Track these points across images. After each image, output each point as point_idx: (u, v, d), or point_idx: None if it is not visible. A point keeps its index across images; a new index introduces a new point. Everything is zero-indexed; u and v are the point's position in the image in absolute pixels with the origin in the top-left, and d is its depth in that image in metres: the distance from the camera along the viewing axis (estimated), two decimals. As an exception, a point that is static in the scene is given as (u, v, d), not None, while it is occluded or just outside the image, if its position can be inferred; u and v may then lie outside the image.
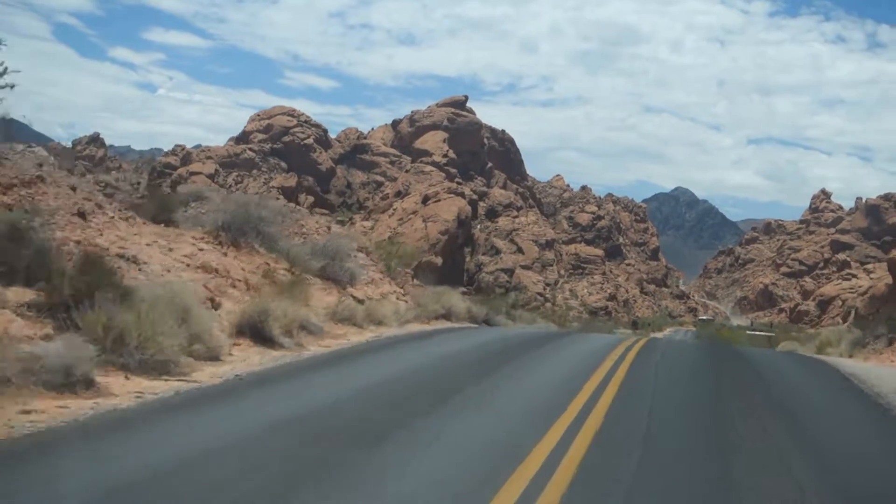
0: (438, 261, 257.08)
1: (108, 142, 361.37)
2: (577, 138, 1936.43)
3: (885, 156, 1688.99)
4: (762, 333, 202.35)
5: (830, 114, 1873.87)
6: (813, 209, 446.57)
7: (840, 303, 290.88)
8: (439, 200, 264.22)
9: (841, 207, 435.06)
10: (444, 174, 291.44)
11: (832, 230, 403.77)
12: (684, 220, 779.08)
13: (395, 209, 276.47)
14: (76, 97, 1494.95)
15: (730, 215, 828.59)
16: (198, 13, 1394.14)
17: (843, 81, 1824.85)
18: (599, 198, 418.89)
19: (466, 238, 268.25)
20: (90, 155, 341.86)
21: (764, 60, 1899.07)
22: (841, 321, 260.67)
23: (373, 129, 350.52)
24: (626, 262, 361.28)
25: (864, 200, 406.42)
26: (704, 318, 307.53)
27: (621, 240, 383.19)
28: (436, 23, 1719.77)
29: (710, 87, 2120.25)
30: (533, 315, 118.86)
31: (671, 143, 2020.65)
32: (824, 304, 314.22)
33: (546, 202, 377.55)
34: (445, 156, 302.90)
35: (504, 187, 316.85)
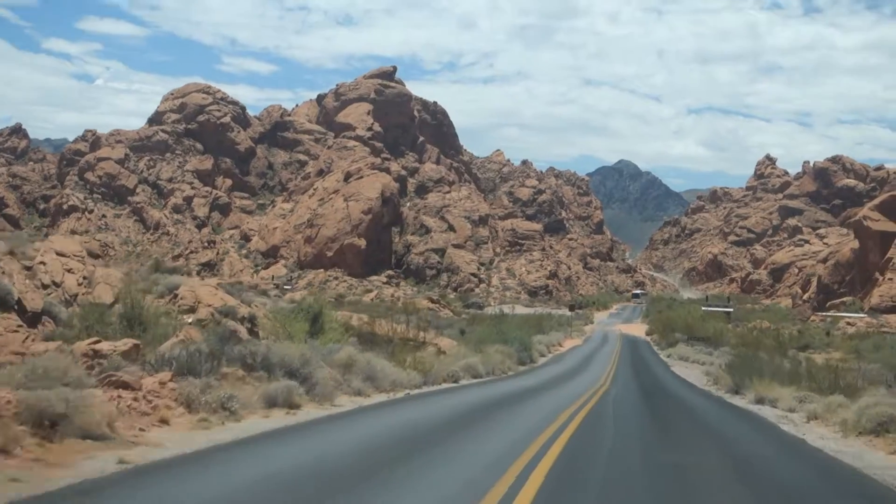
0: (362, 243, 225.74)
1: (45, 135, 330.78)
2: (518, 114, 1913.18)
3: (824, 121, 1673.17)
4: (720, 309, 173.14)
5: (769, 81, 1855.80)
6: (758, 175, 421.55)
7: (796, 270, 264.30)
8: (361, 177, 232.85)
9: (787, 173, 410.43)
10: (368, 149, 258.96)
11: (780, 196, 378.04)
12: (628, 192, 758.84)
13: (315, 189, 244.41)
14: (13, 91, 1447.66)
15: (673, 186, 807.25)
16: (132, 0, 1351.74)
17: (780, 48, 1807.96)
18: (541, 172, 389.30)
19: (394, 217, 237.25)
20: (12, 147, 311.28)
21: (702, 29, 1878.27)
22: (800, 290, 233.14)
23: (297, 105, 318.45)
24: (569, 236, 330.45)
25: (811, 164, 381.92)
26: (638, 292, 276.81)
27: (564, 214, 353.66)
28: (373, 2, 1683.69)
29: (649, 57, 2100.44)
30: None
31: (612, 116, 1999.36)
32: (777, 273, 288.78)
33: (485, 178, 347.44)
34: (370, 129, 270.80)
35: (437, 163, 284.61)
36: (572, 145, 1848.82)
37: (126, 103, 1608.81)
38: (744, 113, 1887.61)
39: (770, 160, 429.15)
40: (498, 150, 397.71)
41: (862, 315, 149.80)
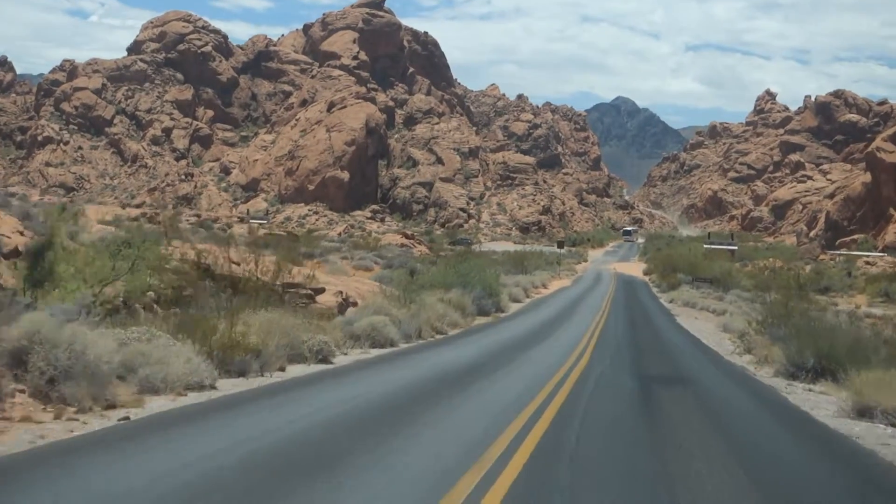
0: (345, 176, 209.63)
1: (38, 70, 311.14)
2: (516, 51, 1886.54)
3: (823, 58, 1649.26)
4: (723, 247, 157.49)
5: (767, 17, 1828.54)
6: (758, 111, 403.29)
7: (800, 207, 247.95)
8: (345, 107, 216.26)
9: (787, 108, 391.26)
10: (354, 79, 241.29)
11: (780, 131, 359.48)
12: (626, 129, 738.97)
13: (297, 119, 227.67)
14: (6, 26, 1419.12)
15: (672, 123, 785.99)
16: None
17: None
18: (536, 107, 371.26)
19: (379, 149, 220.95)
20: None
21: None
22: (805, 228, 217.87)
23: (283, 35, 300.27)
24: (564, 171, 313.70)
25: (812, 98, 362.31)
26: (630, 229, 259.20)
27: (560, 149, 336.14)
28: None
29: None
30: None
31: (610, 53, 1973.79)
32: (780, 210, 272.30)
33: (479, 112, 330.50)
34: (356, 58, 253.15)
35: (428, 94, 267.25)
36: (570, 82, 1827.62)
37: (119, 39, 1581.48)
38: (742, 50, 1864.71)
39: (770, 95, 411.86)
40: (493, 84, 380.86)
41: (881, 254, 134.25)
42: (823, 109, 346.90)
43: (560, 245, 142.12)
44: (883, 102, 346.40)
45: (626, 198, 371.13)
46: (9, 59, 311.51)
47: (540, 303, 66.88)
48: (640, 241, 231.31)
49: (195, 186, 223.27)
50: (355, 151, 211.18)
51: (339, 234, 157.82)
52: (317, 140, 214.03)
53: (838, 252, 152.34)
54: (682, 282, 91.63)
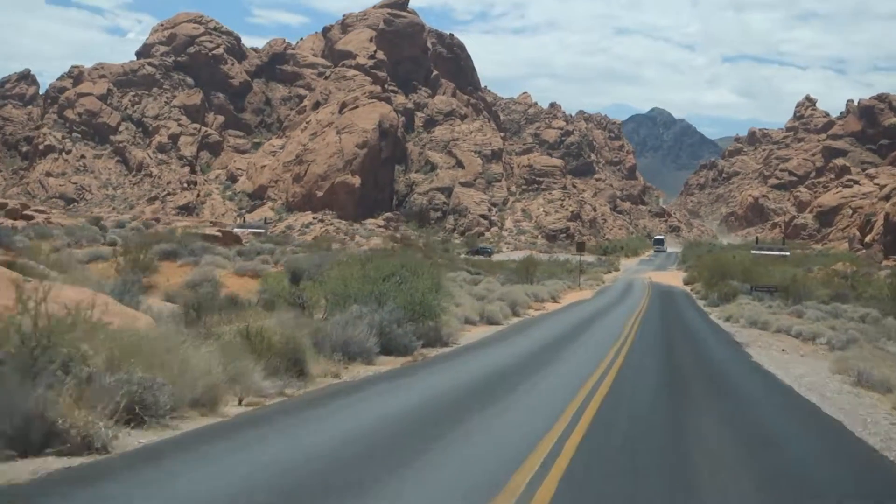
0: (356, 181, 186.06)
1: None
2: (550, 64, 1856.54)
3: (860, 67, 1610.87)
4: (773, 253, 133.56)
5: (804, 27, 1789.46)
6: (798, 117, 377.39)
7: (850, 212, 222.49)
8: (357, 107, 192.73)
9: (827, 114, 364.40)
10: (370, 79, 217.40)
11: (823, 136, 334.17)
12: (662, 140, 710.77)
13: (308, 122, 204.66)
14: (44, 46, 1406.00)
15: (708, 134, 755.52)
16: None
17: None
18: (570, 115, 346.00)
19: (395, 152, 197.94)
20: (20, 93, 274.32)
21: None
22: (857, 233, 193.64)
23: (301, 38, 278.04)
24: (596, 176, 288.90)
25: (855, 102, 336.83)
26: (661, 237, 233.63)
27: (593, 157, 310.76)
28: None
29: (683, 6, 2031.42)
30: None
31: (645, 65, 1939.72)
32: (825, 216, 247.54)
33: (509, 119, 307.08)
34: (372, 57, 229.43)
35: (453, 97, 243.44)
36: (604, 94, 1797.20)
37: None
38: (778, 60, 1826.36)
39: (810, 101, 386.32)
40: (525, 91, 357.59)
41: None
42: (867, 113, 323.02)
43: (580, 248, 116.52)
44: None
45: (663, 206, 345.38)
46: (32, 73, 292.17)
47: (529, 325, 43.36)
48: (671, 249, 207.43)
49: (198, 195, 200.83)
50: (367, 154, 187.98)
51: (315, 237, 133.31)
52: (326, 143, 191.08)
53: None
54: (739, 291, 67.29)
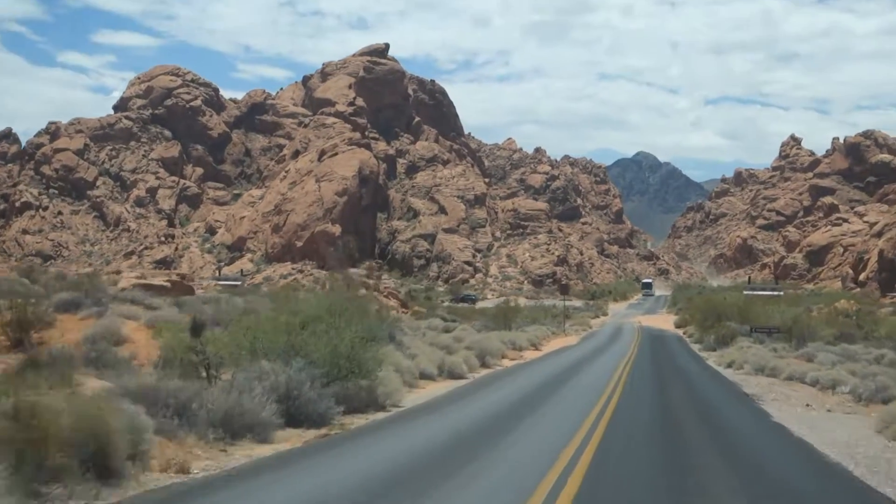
0: (336, 230, 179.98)
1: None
2: (535, 111, 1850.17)
3: (843, 107, 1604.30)
4: (766, 293, 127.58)
5: (786, 68, 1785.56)
6: (783, 156, 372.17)
7: (841, 250, 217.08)
8: (336, 154, 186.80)
9: (813, 153, 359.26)
10: (349, 126, 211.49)
11: (809, 175, 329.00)
12: (648, 184, 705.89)
13: (287, 172, 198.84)
14: (27, 105, 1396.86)
15: (694, 177, 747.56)
16: (146, 11, 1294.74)
17: (796, 35, 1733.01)
18: (555, 160, 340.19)
19: (377, 200, 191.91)
20: (2, 151, 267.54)
21: (716, 20, 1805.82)
22: (850, 271, 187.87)
23: (282, 88, 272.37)
24: (582, 220, 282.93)
25: (841, 140, 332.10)
26: (648, 280, 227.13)
27: (580, 202, 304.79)
28: (387, 5, 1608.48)
29: (664, 50, 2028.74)
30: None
31: (629, 110, 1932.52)
32: (815, 255, 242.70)
33: (494, 165, 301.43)
34: (352, 104, 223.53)
35: (436, 143, 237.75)
36: (590, 139, 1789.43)
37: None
38: (761, 102, 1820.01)
39: (795, 140, 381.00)
40: (509, 137, 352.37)
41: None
42: (853, 151, 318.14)
43: (564, 290, 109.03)
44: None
45: (651, 249, 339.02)
46: (14, 132, 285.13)
47: (498, 379, 37.47)
48: (660, 293, 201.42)
49: (176, 249, 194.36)
50: (347, 203, 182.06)
51: (283, 284, 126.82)
52: (305, 192, 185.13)
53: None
54: (738, 333, 61.02)
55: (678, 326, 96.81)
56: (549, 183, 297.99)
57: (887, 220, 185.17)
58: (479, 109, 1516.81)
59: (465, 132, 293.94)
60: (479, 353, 41.64)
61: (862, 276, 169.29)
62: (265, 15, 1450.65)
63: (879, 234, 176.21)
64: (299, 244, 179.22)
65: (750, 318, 69.75)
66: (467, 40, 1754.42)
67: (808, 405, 29.00)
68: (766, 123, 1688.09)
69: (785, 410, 27.16)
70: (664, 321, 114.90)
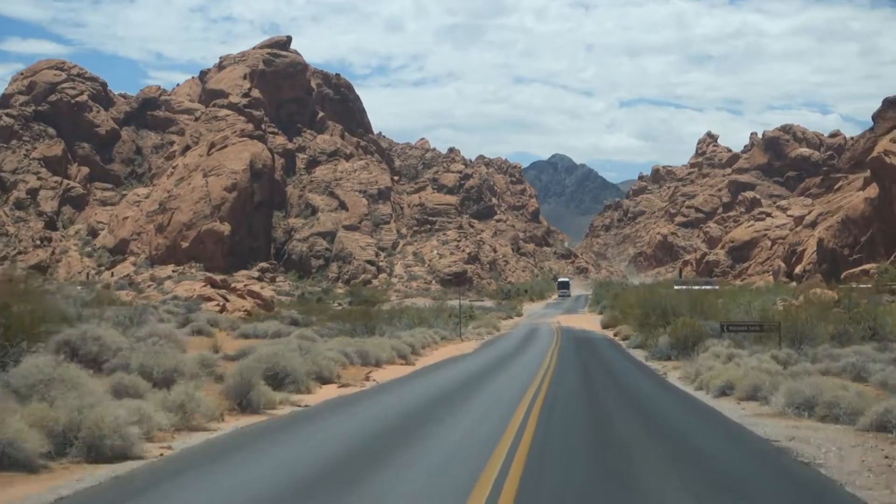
0: (225, 228, 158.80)
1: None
2: (450, 115, 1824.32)
3: (756, 107, 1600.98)
4: (699, 288, 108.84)
5: (699, 70, 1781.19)
6: (700, 153, 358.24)
7: (769, 243, 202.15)
8: (226, 147, 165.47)
9: (729, 150, 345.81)
10: (244, 118, 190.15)
11: (728, 170, 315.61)
12: (564, 186, 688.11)
13: (175, 167, 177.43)
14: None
15: (610, 178, 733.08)
16: (55, 19, 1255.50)
17: (708, 37, 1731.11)
18: (469, 160, 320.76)
19: (273, 197, 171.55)
20: None
21: (629, 21, 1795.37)
22: (783, 264, 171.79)
23: (178, 84, 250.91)
24: (496, 217, 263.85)
25: (759, 135, 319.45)
26: (564, 279, 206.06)
27: (495, 201, 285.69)
28: (299, 10, 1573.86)
29: (579, 52, 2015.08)
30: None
31: (545, 112, 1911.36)
32: (737, 251, 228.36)
33: (406, 165, 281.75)
34: (247, 95, 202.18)
35: (342, 139, 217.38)
36: (505, 143, 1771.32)
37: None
38: (675, 103, 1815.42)
39: (711, 137, 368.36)
40: (423, 137, 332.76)
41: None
42: (772, 145, 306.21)
43: (458, 283, 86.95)
44: (835, 134, 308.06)
45: (569, 247, 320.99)
46: None
47: (309, 418, 18.13)
48: (579, 292, 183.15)
49: (52, 253, 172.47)
50: (237, 199, 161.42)
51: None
52: (192, 188, 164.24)
53: (853, 285, 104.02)
54: (705, 335, 41.53)
55: (606, 327, 78.17)
56: (462, 182, 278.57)
57: (820, 210, 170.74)
58: (393, 114, 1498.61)
59: (376, 132, 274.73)
60: (240, 386, 21.50)
61: (798, 269, 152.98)
62: (176, 21, 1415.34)
63: (813, 225, 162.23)
64: (185, 244, 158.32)
65: (707, 313, 50.63)
66: (381, 45, 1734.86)
67: None
68: (680, 125, 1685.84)
69: None
70: (587, 321, 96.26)
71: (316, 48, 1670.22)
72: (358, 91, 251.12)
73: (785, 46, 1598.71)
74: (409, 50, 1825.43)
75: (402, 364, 39.05)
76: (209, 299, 66.34)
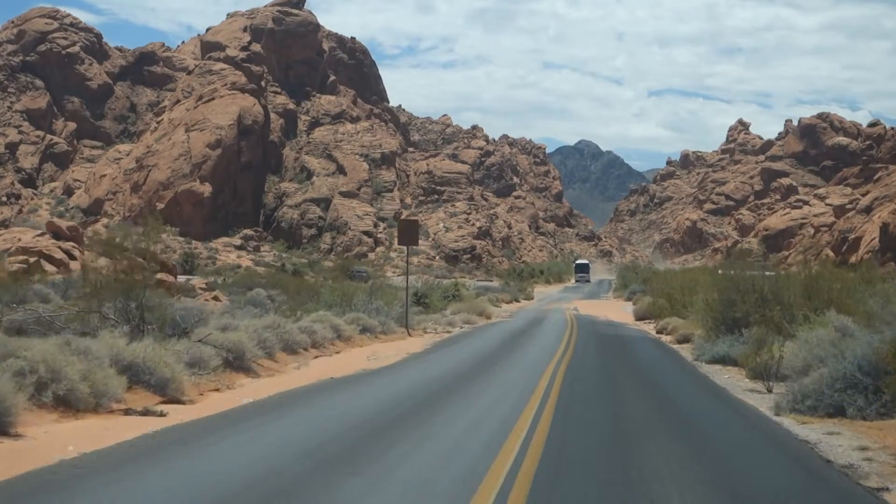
0: (205, 190, 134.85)
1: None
2: (478, 98, 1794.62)
3: (784, 101, 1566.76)
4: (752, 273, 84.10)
5: (729, 62, 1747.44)
6: (731, 141, 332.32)
7: (811, 231, 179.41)
8: (213, 99, 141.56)
9: (761, 138, 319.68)
10: (241, 73, 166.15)
11: (761, 157, 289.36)
12: (589, 172, 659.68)
13: (159, 122, 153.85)
14: None
15: (635, 167, 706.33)
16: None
17: (740, 29, 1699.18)
18: (492, 138, 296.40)
19: (266, 158, 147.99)
20: None
21: (661, 11, 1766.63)
22: (831, 253, 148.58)
23: (183, 42, 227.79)
24: (515, 194, 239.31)
25: (795, 122, 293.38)
26: (583, 262, 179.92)
27: (517, 180, 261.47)
28: None
29: (610, 40, 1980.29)
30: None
31: (573, 99, 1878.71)
32: (771, 239, 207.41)
33: (425, 140, 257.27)
34: (246, 49, 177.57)
35: (354, 104, 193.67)
36: (532, 128, 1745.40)
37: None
38: (704, 94, 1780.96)
39: (743, 125, 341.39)
40: (445, 114, 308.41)
41: None
42: (809, 133, 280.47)
43: (408, 240, 62.49)
44: (875, 124, 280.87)
45: (593, 229, 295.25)
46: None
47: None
48: (600, 277, 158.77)
49: (20, 211, 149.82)
50: (221, 157, 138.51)
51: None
52: (172, 143, 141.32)
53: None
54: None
55: (641, 318, 54.47)
56: (483, 159, 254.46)
57: (876, 195, 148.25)
58: (422, 94, 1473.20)
59: (395, 104, 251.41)
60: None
61: (853, 258, 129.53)
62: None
63: (868, 210, 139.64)
64: (161, 205, 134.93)
65: (840, 305, 26.77)
66: (412, 25, 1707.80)
67: None
68: (708, 116, 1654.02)
69: None
70: (614, 309, 72.20)
71: (346, 25, 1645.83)
72: (387, 74, 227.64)
73: (816, 41, 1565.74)
74: (439, 32, 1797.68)
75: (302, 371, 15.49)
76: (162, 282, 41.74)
